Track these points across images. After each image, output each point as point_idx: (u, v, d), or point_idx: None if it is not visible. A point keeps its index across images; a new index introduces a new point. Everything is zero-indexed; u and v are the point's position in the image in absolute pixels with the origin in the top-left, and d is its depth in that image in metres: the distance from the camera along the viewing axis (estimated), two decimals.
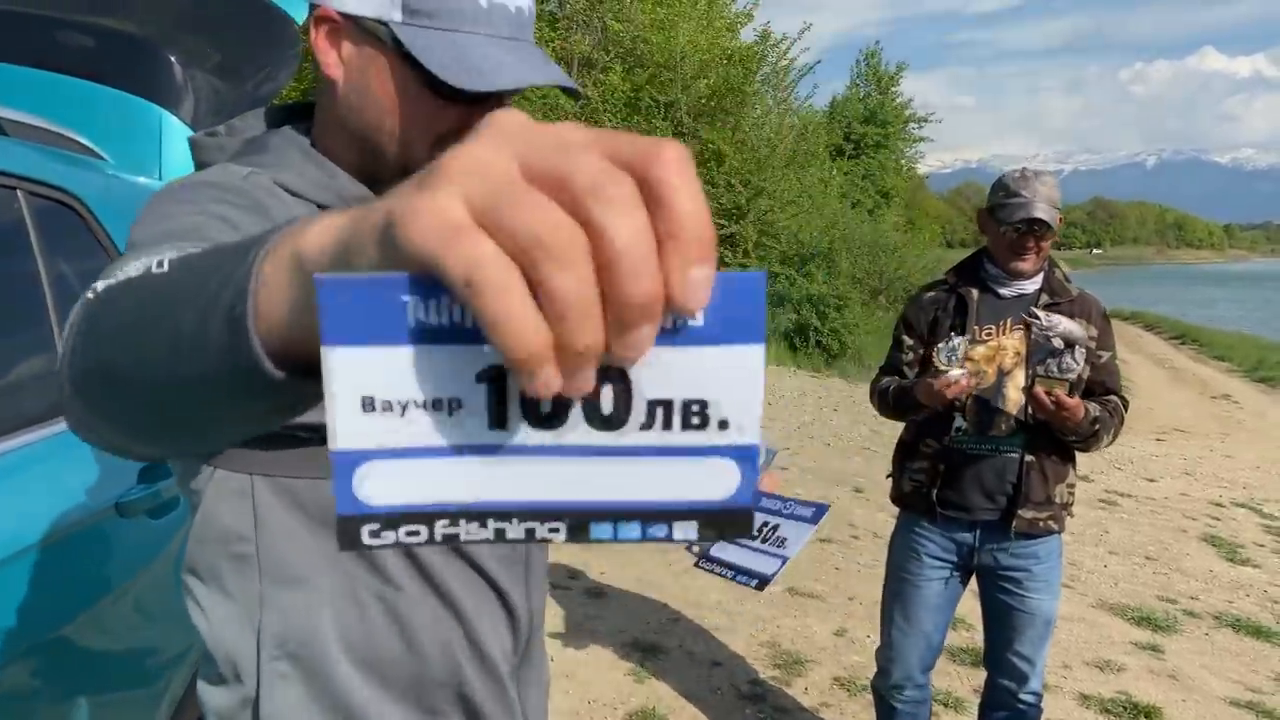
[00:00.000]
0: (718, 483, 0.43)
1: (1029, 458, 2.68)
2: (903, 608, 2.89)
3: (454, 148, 0.38)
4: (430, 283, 0.38)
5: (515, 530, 0.43)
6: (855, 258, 18.83)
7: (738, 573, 0.88)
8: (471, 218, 0.36)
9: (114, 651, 1.96)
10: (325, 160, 1.08)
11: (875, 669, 3.05)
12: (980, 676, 4.15)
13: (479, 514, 0.43)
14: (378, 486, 0.41)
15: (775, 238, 18.81)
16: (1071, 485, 2.79)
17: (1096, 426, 2.62)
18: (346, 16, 1.03)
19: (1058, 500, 2.74)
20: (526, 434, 0.41)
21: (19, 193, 1.97)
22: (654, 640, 4.26)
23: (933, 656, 2.95)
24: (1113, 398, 2.74)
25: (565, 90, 1.11)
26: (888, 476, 3.01)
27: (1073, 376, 2.59)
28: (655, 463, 0.42)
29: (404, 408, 0.40)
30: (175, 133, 2.60)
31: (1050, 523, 2.74)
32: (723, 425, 0.42)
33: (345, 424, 0.40)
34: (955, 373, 2.57)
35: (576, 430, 0.41)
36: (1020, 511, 2.69)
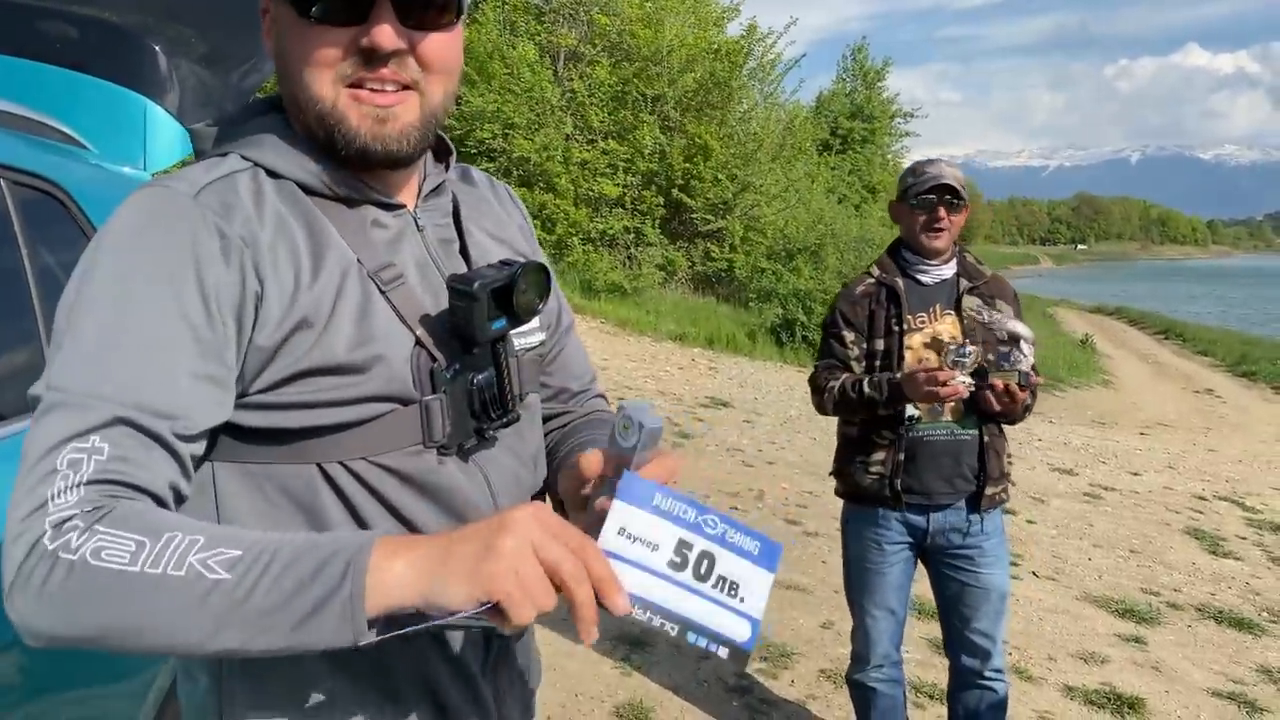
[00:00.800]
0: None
1: (986, 439, 2.83)
2: (871, 595, 2.96)
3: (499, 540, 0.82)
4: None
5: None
6: (842, 253, 18.86)
7: (699, 634, 0.87)
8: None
9: None
10: (300, 140, 1.08)
11: (851, 656, 3.10)
12: None
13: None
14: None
15: (762, 233, 18.83)
16: (1010, 455, 2.96)
17: (1028, 404, 2.80)
18: None
19: (1006, 472, 2.91)
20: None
21: (2, 182, 1.94)
22: (641, 634, 4.26)
23: (901, 631, 3.04)
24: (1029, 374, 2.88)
25: None
26: (831, 474, 3.08)
27: (1023, 367, 2.71)
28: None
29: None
30: (160, 123, 2.58)
31: (1003, 494, 2.91)
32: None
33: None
34: (963, 379, 2.62)
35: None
36: (986, 490, 2.83)
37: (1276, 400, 14.98)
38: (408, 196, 1.15)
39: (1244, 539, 6.82)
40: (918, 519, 2.87)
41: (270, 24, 1.08)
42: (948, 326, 2.82)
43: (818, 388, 2.95)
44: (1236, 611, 5.24)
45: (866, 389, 2.78)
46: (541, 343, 1.22)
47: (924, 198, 2.80)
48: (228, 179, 1.03)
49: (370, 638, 0.81)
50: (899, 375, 2.75)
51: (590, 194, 18.00)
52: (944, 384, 2.60)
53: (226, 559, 0.81)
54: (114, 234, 0.97)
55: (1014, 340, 2.76)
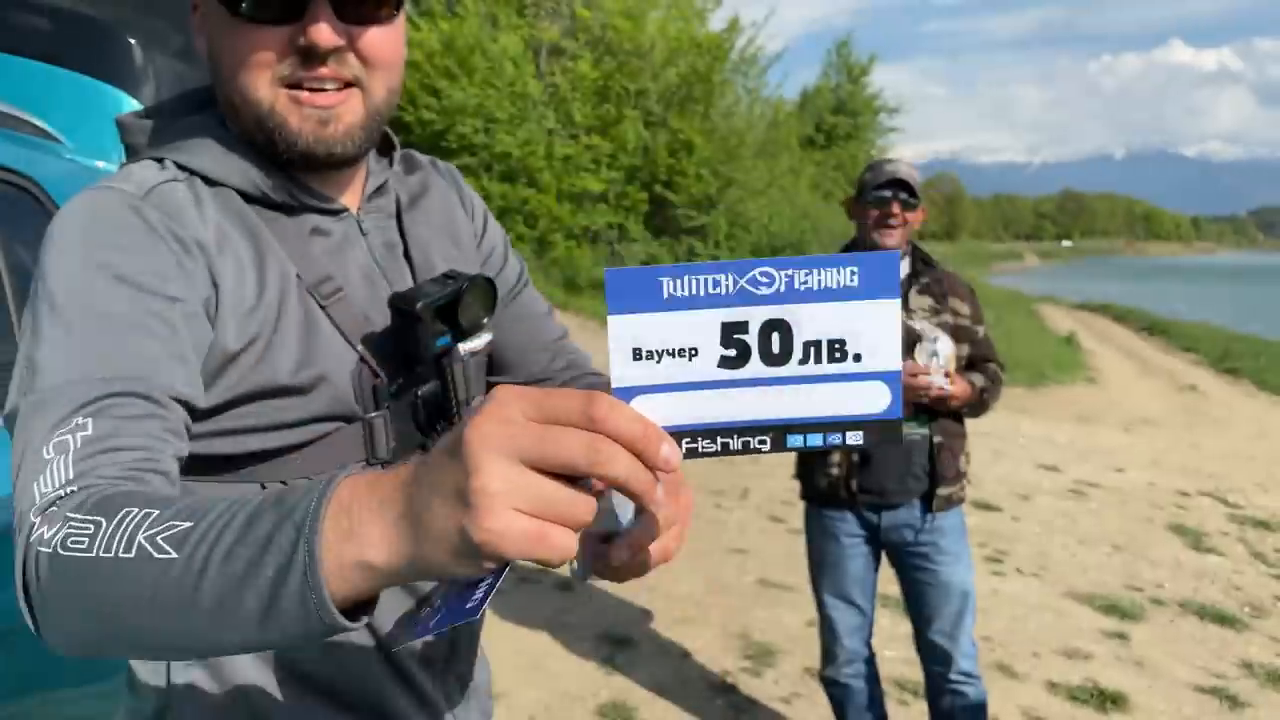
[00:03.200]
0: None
1: (937, 438, 2.81)
2: (833, 587, 2.98)
3: (471, 421, 0.57)
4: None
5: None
6: (826, 248, 18.89)
7: (805, 435, 0.63)
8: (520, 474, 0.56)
9: None
10: (236, 144, 1.04)
11: (821, 654, 3.10)
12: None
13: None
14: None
15: (746, 228, 18.84)
16: (968, 452, 2.94)
17: (985, 395, 2.82)
18: None
19: (963, 471, 2.90)
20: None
21: None
22: (625, 632, 4.24)
23: (869, 626, 3.04)
24: (990, 365, 2.90)
25: None
26: (794, 477, 3.09)
27: (947, 365, 2.73)
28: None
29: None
30: None
31: (960, 493, 2.90)
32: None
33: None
34: (938, 378, 2.64)
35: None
36: (938, 490, 2.82)
37: (1259, 396, 15.07)
38: (351, 198, 1.12)
39: (1226, 534, 6.85)
40: (871, 516, 2.89)
41: (200, 21, 1.04)
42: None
43: None
44: (1219, 607, 5.26)
45: None
46: (489, 342, 1.18)
47: (878, 193, 2.79)
48: (171, 185, 0.99)
49: (349, 624, 0.63)
50: None
51: (573, 189, 17.96)
52: (926, 385, 2.63)
53: (176, 534, 0.66)
54: (63, 238, 0.92)
55: (912, 343, 2.76)
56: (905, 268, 2.86)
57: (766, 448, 0.63)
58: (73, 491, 0.75)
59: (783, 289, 0.61)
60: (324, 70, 0.98)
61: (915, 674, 4.04)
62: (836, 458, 2.86)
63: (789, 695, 3.82)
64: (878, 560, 3.00)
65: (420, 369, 1.07)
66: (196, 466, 0.96)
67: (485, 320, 1.11)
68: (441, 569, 0.60)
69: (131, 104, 2.55)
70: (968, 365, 2.86)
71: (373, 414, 1.04)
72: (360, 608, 0.64)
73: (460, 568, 0.59)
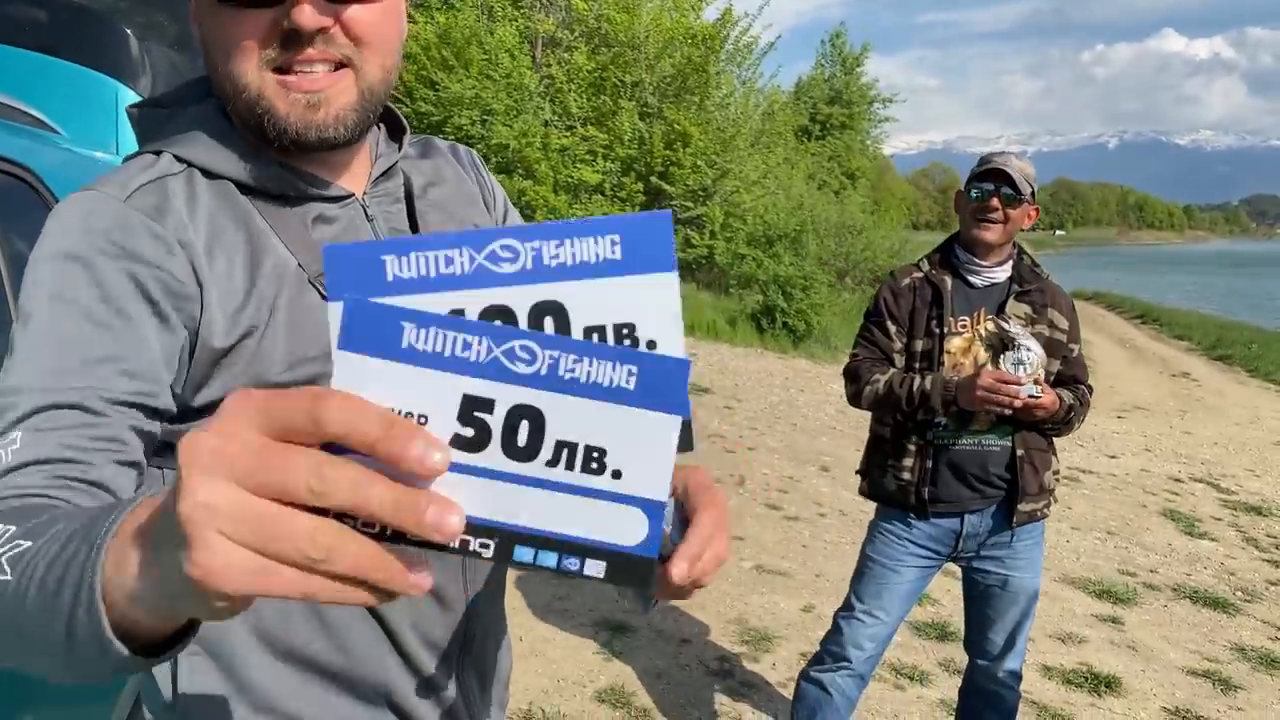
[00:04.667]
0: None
1: (1020, 451, 2.67)
2: (875, 595, 2.81)
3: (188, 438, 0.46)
4: (403, 246, 0.50)
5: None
6: (822, 239, 18.88)
7: (530, 548, 0.49)
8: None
9: None
10: (235, 134, 1.02)
11: (817, 655, 2.93)
12: (945, 650, 4.21)
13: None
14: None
15: (741, 219, 18.82)
16: (1057, 472, 2.80)
17: (1071, 415, 2.67)
18: None
19: (1049, 487, 2.76)
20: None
21: None
22: (622, 619, 4.27)
23: (890, 638, 2.90)
24: (1081, 386, 2.76)
25: None
26: (858, 473, 2.95)
27: (1036, 374, 2.58)
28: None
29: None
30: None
31: (1045, 510, 2.77)
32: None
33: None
34: (1027, 386, 2.51)
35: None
36: (1020, 506, 2.69)
37: (1251, 383, 15.12)
38: (356, 183, 1.09)
39: (1219, 520, 6.89)
40: (952, 523, 2.74)
41: (196, 7, 1.01)
42: (991, 332, 2.66)
43: (857, 379, 2.76)
44: (1212, 591, 5.30)
45: (914, 387, 2.62)
46: None
47: (979, 185, 2.65)
48: (159, 182, 0.97)
49: (143, 663, 0.59)
50: (956, 379, 2.59)
51: (570, 180, 17.94)
52: (1011, 397, 2.49)
53: (16, 554, 0.63)
54: (40, 247, 0.92)
55: (1001, 348, 2.64)
56: (1007, 271, 2.72)
57: (488, 554, 0.49)
58: None
59: (543, 367, 0.48)
60: (311, 52, 0.94)
61: (910, 658, 4.07)
62: (909, 462, 2.71)
63: (785, 680, 3.85)
64: (936, 569, 2.87)
65: None
66: None
67: None
68: (175, 607, 0.52)
69: (128, 94, 2.55)
70: (1055, 382, 2.70)
71: None
72: (177, 638, 0.59)
73: (189, 608, 0.51)
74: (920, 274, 2.77)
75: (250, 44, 0.94)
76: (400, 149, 1.15)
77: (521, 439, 0.48)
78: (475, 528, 0.48)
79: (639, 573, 0.50)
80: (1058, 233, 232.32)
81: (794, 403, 10.34)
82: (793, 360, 14.30)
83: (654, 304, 0.53)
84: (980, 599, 2.86)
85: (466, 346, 0.48)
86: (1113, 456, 8.81)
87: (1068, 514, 6.64)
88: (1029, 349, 2.60)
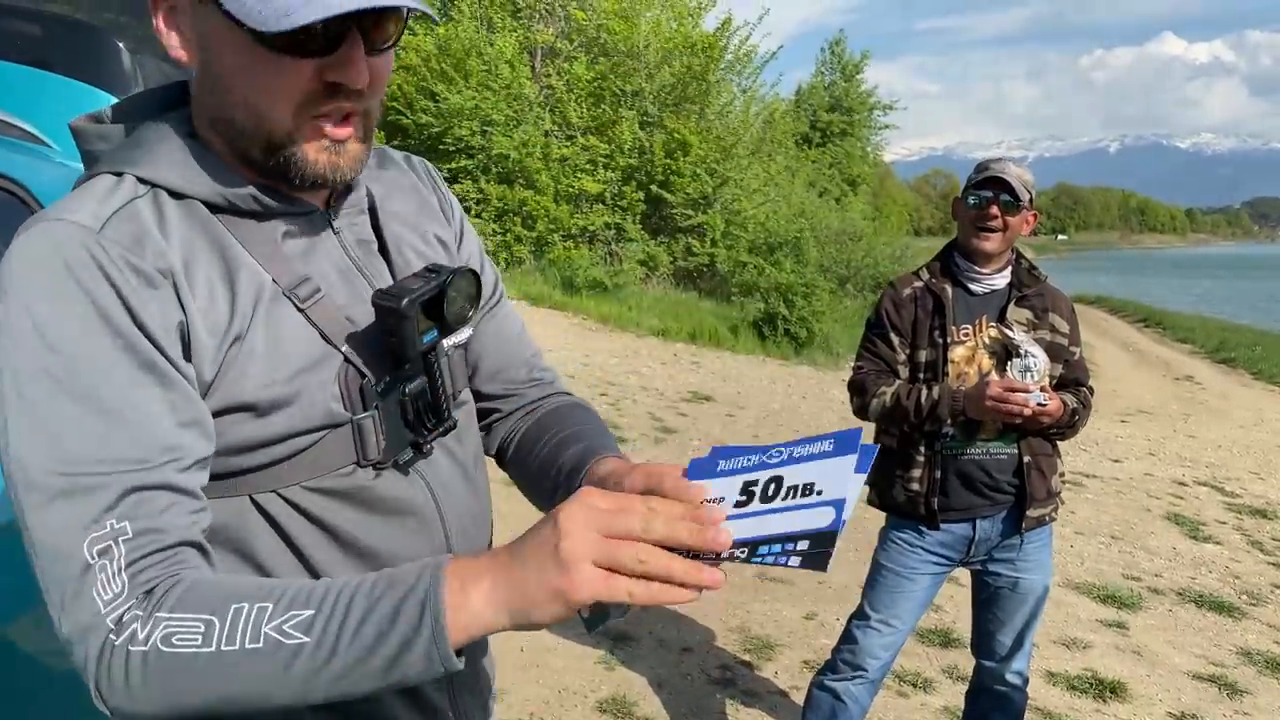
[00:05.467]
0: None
1: (1026, 458, 2.67)
2: (887, 605, 2.80)
3: (563, 528, 0.80)
4: (727, 450, 0.93)
5: (726, 552, 0.82)
6: (823, 246, 18.90)
7: (770, 545, 0.81)
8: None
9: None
10: (206, 153, 1.00)
11: (830, 663, 2.91)
12: (949, 657, 4.19)
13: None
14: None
15: (742, 227, 18.85)
16: (1063, 474, 2.81)
17: (1075, 418, 2.66)
18: None
19: (1055, 491, 2.76)
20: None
21: None
22: (624, 627, 4.25)
23: (900, 645, 2.89)
24: (1082, 388, 2.76)
25: (419, 13, 0.98)
26: (866, 483, 2.92)
27: (1042, 380, 2.59)
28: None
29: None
30: None
31: (1053, 513, 2.78)
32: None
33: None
34: (1035, 395, 2.49)
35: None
36: (1029, 511, 2.69)
37: (1254, 386, 15.10)
38: (318, 196, 1.08)
39: (1224, 523, 6.87)
40: (962, 528, 2.74)
41: (173, 18, 0.97)
42: (994, 340, 2.66)
43: (864, 391, 2.75)
44: (1217, 595, 5.27)
45: (924, 399, 2.61)
46: (469, 336, 1.16)
47: (977, 192, 2.64)
48: (129, 207, 0.94)
49: (460, 664, 0.82)
50: (963, 390, 2.59)
51: (570, 190, 17.96)
52: (1020, 405, 2.48)
53: (301, 621, 0.81)
54: (22, 288, 0.89)
55: (1006, 356, 2.63)
56: (1007, 277, 2.72)
57: (743, 557, 0.82)
58: (141, 598, 0.84)
59: (783, 458, 0.87)
60: (345, 104, 0.96)
61: (913, 665, 4.05)
62: (917, 473, 2.71)
63: (789, 688, 3.83)
64: (945, 576, 2.86)
65: (407, 366, 1.05)
66: None
67: (470, 313, 1.09)
68: (536, 616, 0.80)
69: None
70: (1057, 386, 2.70)
71: (361, 415, 1.01)
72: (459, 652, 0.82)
73: (550, 612, 0.79)
74: (920, 283, 2.76)
75: (291, 89, 0.93)
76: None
77: (770, 491, 0.84)
78: (737, 544, 0.82)
79: (829, 541, 0.79)
80: (1060, 237, 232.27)
81: (796, 410, 10.32)
82: (795, 367, 14.29)
83: (837, 473, 0.83)
84: (989, 601, 2.86)
85: (747, 460, 0.89)
86: (1116, 460, 8.79)
87: (1071, 519, 6.61)
88: (1034, 355, 2.60)
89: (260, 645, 0.80)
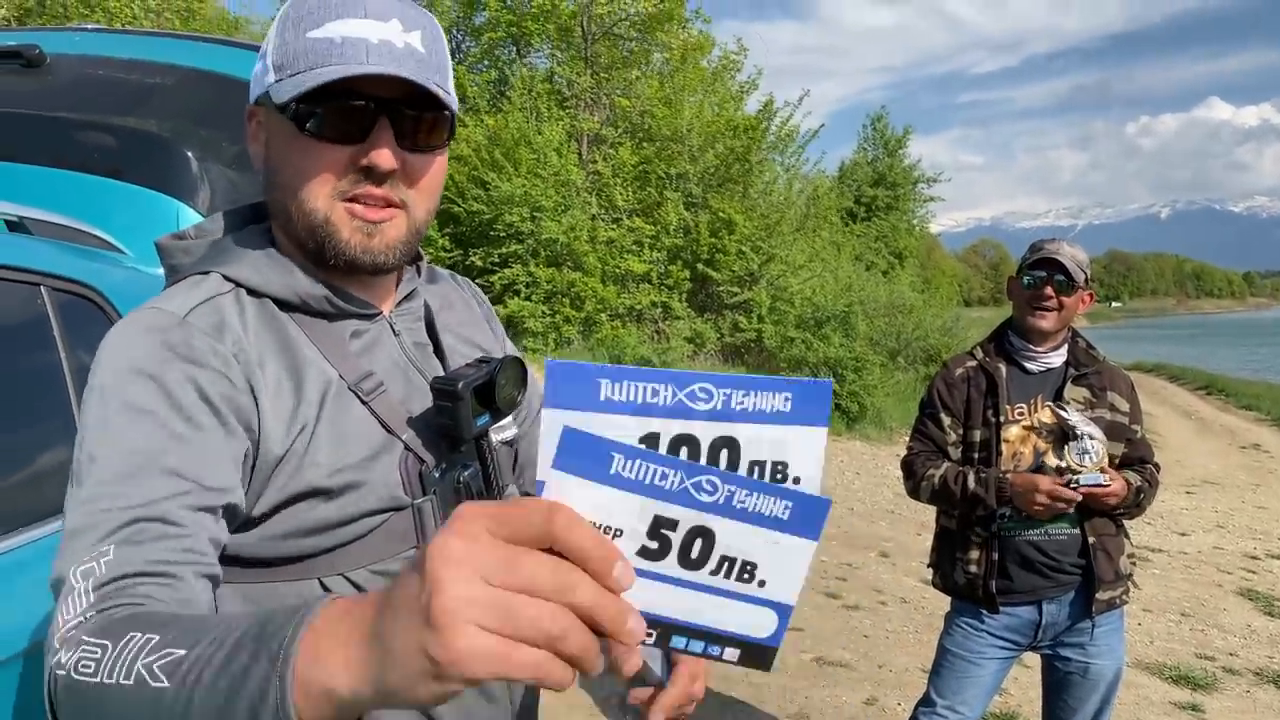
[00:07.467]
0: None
1: (1090, 539, 2.64)
2: (954, 691, 2.77)
3: (429, 548, 0.55)
4: (618, 373, 0.62)
5: None
6: (872, 319, 18.82)
7: (690, 638, 0.64)
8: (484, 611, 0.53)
9: None
10: (281, 257, 1.12)
11: None
12: None
13: None
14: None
15: (789, 302, 18.87)
16: (1132, 556, 2.75)
17: (1140, 497, 2.64)
18: (258, 103, 1.11)
19: (1125, 572, 2.71)
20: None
21: (42, 288, 2.03)
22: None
23: None
24: (1148, 466, 2.73)
25: (440, 102, 1.07)
26: (929, 565, 2.92)
27: (1101, 461, 2.56)
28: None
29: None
30: (190, 223, 2.66)
31: (1124, 596, 2.72)
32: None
33: (547, 465, 0.58)
34: (1092, 475, 2.51)
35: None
36: (1098, 595, 2.64)
37: None
38: (385, 303, 1.20)
39: None
40: (1027, 611, 2.71)
41: (257, 129, 1.13)
42: (1048, 421, 2.65)
43: (913, 473, 2.78)
44: None
45: (972, 485, 2.62)
46: (515, 437, 1.25)
47: (1032, 273, 2.68)
48: (213, 302, 1.05)
49: None
50: (1008, 476, 2.60)
51: (618, 271, 18.16)
52: (1068, 501, 2.52)
53: (170, 661, 0.69)
54: (106, 363, 0.98)
55: (1064, 438, 2.61)
56: (1063, 355, 2.74)
57: (651, 641, 0.62)
58: (91, 616, 0.81)
59: (719, 499, 0.59)
60: (376, 191, 1.06)
61: None
62: (975, 554, 2.70)
63: None
64: (1013, 661, 2.83)
65: (463, 449, 1.13)
66: (256, 563, 1.02)
67: (519, 397, 1.18)
68: (406, 693, 0.57)
69: (188, 212, 2.67)
70: (1120, 465, 2.68)
71: (420, 499, 1.09)
72: None
73: (424, 691, 0.56)
74: (974, 362, 2.77)
75: (327, 175, 1.05)
76: (420, 275, 1.27)
77: (694, 552, 0.60)
78: (647, 621, 0.60)
79: (765, 658, 0.64)
80: (1114, 304, 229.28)
81: (850, 486, 10.20)
82: (847, 443, 14.15)
83: (806, 449, 0.65)
84: (1059, 686, 2.79)
85: (664, 477, 0.58)
86: (1183, 534, 8.55)
87: (1139, 595, 6.42)
88: (1092, 436, 2.57)
89: (130, 683, 0.70)
